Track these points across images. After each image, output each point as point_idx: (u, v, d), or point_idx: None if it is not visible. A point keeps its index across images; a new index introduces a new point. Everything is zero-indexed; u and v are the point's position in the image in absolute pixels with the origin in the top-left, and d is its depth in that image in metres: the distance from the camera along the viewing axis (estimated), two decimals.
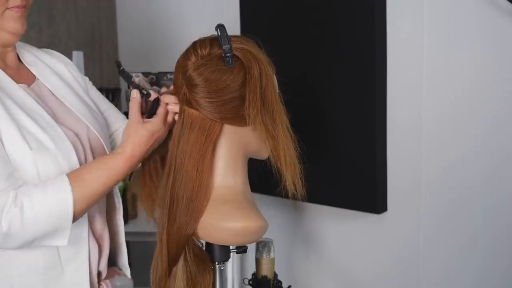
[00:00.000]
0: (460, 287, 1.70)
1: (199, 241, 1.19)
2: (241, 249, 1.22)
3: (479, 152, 1.61)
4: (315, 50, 1.78)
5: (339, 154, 1.77)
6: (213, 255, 1.19)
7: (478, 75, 1.58)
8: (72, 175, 1.13)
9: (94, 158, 1.25)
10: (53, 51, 1.39)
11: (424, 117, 1.68)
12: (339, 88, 1.74)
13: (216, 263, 1.19)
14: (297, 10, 1.81)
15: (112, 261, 1.38)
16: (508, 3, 1.49)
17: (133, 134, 1.17)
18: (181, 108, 1.15)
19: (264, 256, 1.65)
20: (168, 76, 2.21)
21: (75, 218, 1.12)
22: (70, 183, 1.11)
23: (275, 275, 1.70)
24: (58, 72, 1.32)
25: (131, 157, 1.17)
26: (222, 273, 1.21)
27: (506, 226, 1.59)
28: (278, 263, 1.73)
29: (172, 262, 1.16)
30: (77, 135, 1.22)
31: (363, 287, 1.90)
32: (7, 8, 1.14)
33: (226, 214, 1.12)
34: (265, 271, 1.66)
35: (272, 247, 1.67)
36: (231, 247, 1.21)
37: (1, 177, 1.07)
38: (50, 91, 1.26)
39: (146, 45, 2.47)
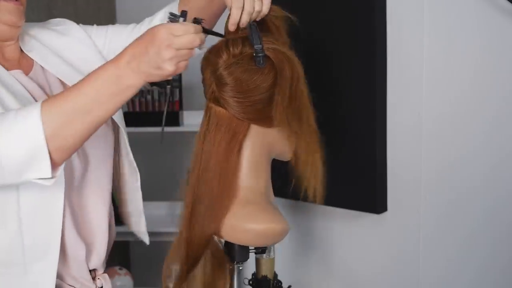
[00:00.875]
0: (460, 287, 1.70)
1: (219, 241, 1.19)
2: (261, 250, 1.22)
3: (479, 152, 1.61)
4: (315, 50, 1.78)
5: (339, 154, 1.77)
6: (232, 255, 1.19)
7: (478, 75, 1.58)
8: (46, 101, 0.95)
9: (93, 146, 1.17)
10: (57, 21, 1.29)
11: (424, 117, 1.68)
12: (339, 88, 1.74)
13: (235, 263, 1.19)
14: (297, 10, 1.81)
15: (110, 258, 1.34)
16: (508, 3, 1.49)
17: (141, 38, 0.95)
18: (207, 106, 1.14)
19: (264, 256, 1.65)
20: None
21: (55, 142, 0.94)
22: (42, 104, 0.94)
23: (275, 275, 1.70)
24: (59, 51, 1.23)
25: (126, 62, 0.94)
26: (240, 273, 1.21)
27: (506, 225, 1.59)
28: (278, 263, 1.73)
29: (194, 262, 1.15)
30: None
31: (363, 287, 1.90)
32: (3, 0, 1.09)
33: (249, 215, 1.11)
34: (265, 271, 1.66)
35: (272, 247, 1.66)
36: (250, 248, 1.20)
37: None
38: (54, 75, 1.20)
39: None
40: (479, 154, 1.61)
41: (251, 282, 1.68)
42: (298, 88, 1.11)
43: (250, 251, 1.21)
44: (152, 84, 1.03)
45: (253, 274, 1.69)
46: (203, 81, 1.15)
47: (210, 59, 1.12)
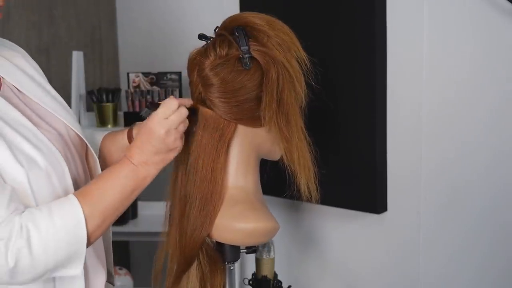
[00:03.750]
0: (459, 286, 1.70)
1: (212, 241, 1.19)
2: (251, 250, 1.22)
3: (478, 152, 1.61)
4: (315, 50, 1.78)
5: (339, 155, 1.77)
6: (223, 255, 1.19)
7: (478, 75, 1.58)
8: (79, 194, 1.01)
9: (80, 159, 1.13)
10: (5, 40, 1.18)
11: (424, 117, 1.68)
12: (339, 87, 1.74)
13: (226, 262, 1.19)
14: (297, 10, 1.81)
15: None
16: (508, 3, 1.49)
17: (146, 137, 1.05)
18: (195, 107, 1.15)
19: (264, 256, 1.65)
20: (168, 76, 2.21)
21: (89, 242, 1.00)
22: (80, 203, 0.99)
23: (275, 275, 1.70)
24: (20, 66, 1.15)
25: (141, 163, 1.05)
26: (232, 273, 1.21)
27: (505, 225, 1.59)
28: (278, 263, 1.73)
29: (187, 265, 1.16)
30: (61, 136, 1.10)
31: (363, 287, 1.90)
32: None
33: (238, 214, 1.12)
34: (265, 271, 1.66)
35: (272, 247, 1.66)
36: (241, 247, 1.21)
37: (2, 205, 0.93)
38: (19, 90, 1.10)
39: (146, 45, 2.46)
40: (479, 154, 1.61)
41: (251, 282, 1.68)
42: (285, 91, 1.10)
43: (241, 251, 1.21)
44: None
45: (253, 274, 1.69)
46: (190, 82, 1.15)
47: (196, 60, 1.13)
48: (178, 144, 1.06)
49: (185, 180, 1.14)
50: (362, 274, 1.90)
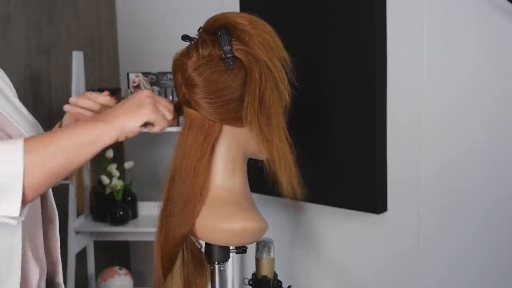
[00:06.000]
0: (460, 286, 1.70)
1: (198, 242, 1.19)
2: (241, 250, 1.21)
3: (478, 152, 1.61)
4: (315, 49, 1.78)
5: (339, 154, 1.77)
6: (212, 255, 1.19)
7: (478, 75, 1.58)
8: (29, 138, 0.96)
9: None
10: None
11: (424, 117, 1.68)
12: (339, 88, 1.74)
13: (216, 263, 1.19)
14: (297, 10, 1.81)
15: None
16: (508, 3, 1.50)
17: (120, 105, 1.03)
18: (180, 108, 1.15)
19: (264, 256, 1.65)
20: (168, 76, 2.21)
21: (30, 191, 0.92)
22: (24, 143, 0.92)
23: (275, 275, 1.70)
24: None
25: (103, 115, 1.00)
26: (222, 273, 1.21)
27: (506, 225, 1.59)
28: (278, 263, 1.73)
29: (169, 263, 1.15)
30: None
31: (363, 286, 1.90)
32: None
33: (225, 215, 1.11)
34: (265, 271, 1.66)
35: (272, 247, 1.66)
36: (230, 248, 1.21)
37: None
38: None
39: (146, 45, 2.47)
40: (479, 154, 1.61)
41: (251, 282, 1.68)
42: (267, 91, 1.10)
43: (231, 251, 1.21)
44: None
45: (253, 274, 1.69)
46: (174, 84, 1.15)
47: (180, 62, 1.12)
48: (149, 102, 1.02)
49: (171, 180, 1.14)
50: (362, 274, 1.90)
